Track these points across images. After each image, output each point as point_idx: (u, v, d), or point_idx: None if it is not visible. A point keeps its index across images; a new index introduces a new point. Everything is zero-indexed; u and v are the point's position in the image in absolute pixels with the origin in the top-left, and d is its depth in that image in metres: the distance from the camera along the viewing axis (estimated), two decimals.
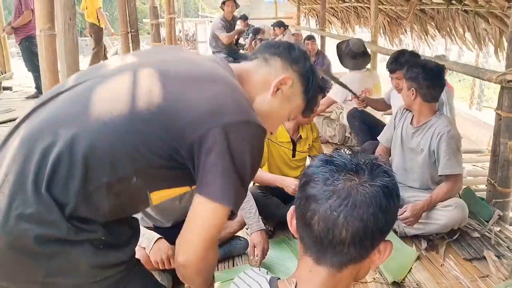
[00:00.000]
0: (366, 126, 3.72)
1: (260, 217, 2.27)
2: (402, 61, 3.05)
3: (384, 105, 3.81)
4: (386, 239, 0.81)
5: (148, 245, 1.88)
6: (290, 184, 2.37)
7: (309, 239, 0.80)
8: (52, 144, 0.96)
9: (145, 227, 1.96)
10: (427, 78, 2.46)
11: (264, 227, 2.27)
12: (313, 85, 1.21)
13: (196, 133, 0.98)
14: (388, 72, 3.27)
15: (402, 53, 3.21)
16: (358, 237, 0.76)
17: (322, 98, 3.87)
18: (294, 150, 2.63)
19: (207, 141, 0.98)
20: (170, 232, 1.80)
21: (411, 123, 2.66)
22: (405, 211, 2.41)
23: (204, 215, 1.03)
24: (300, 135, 2.64)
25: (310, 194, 0.78)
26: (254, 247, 2.18)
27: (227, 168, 0.99)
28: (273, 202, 2.52)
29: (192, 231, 1.05)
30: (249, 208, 2.24)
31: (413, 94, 2.51)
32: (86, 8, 6.96)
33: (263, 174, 2.52)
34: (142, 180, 1.02)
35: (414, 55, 3.17)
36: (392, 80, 3.25)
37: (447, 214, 2.47)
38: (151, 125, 0.98)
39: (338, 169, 0.79)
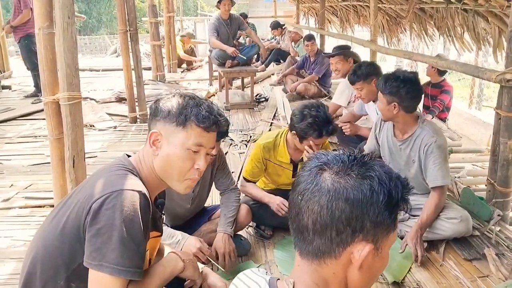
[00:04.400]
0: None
1: (230, 224, 2.28)
2: (359, 73, 3.22)
3: (355, 118, 3.76)
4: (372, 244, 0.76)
5: (172, 243, 2.01)
6: (275, 201, 2.47)
7: (292, 230, 0.82)
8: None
9: None
10: (408, 90, 2.41)
11: (229, 232, 2.25)
12: (181, 111, 1.28)
13: None
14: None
15: (359, 65, 3.33)
16: (319, 224, 0.75)
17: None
18: (295, 171, 2.63)
19: None
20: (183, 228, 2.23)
21: (394, 135, 2.63)
22: (406, 244, 2.36)
23: None
24: (302, 158, 2.60)
25: (294, 183, 0.82)
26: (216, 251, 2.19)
27: None
28: (266, 211, 2.54)
29: None
30: (227, 212, 2.31)
31: (394, 107, 2.46)
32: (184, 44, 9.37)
33: (253, 190, 2.61)
34: None
35: (373, 65, 3.31)
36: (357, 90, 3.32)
37: (452, 227, 2.45)
38: None
39: (326, 162, 0.79)
